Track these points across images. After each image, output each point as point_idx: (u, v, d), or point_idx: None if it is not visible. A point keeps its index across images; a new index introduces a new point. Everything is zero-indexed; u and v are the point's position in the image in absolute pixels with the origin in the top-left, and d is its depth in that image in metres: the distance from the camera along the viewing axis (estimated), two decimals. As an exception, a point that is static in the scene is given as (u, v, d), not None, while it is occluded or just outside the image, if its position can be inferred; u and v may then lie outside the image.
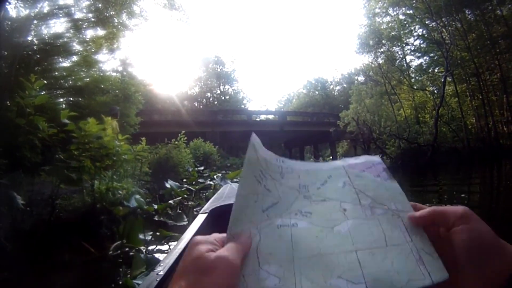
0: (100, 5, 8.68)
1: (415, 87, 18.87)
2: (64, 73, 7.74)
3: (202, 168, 9.88)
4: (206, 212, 1.33)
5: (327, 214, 0.42)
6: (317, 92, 46.47)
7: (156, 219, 3.70)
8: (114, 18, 9.20)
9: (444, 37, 16.43)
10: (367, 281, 0.35)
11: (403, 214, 0.42)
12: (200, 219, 1.25)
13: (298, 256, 0.38)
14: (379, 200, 0.44)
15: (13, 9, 7.14)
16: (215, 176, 7.05)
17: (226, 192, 1.70)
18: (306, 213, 0.43)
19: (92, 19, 8.57)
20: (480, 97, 16.04)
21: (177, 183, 5.41)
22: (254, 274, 0.35)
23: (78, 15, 8.33)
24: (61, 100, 7.55)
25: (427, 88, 18.58)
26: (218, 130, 23.12)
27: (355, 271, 0.36)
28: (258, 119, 29.84)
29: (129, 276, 2.22)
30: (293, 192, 0.45)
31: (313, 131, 28.91)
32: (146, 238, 3.01)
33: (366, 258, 0.37)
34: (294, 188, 0.46)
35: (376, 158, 0.52)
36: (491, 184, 7.79)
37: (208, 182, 6.97)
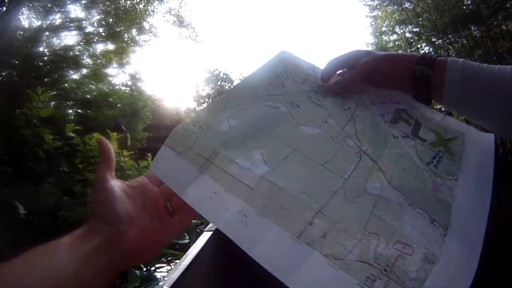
0: (110, 20, 8.87)
1: (422, 106, 18.82)
2: (74, 85, 7.86)
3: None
4: (211, 230, 1.29)
5: (311, 114, 0.44)
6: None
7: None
8: (124, 33, 9.38)
9: (450, 54, 16.48)
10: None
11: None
12: (205, 236, 1.20)
13: (254, 130, 0.41)
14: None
15: (26, 20, 7.34)
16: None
17: None
18: (295, 105, 0.45)
19: (103, 33, 8.76)
20: (488, 114, 15.94)
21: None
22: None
23: (89, 28, 8.53)
24: (70, 111, 7.64)
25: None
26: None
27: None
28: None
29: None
30: (302, 94, 0.47)
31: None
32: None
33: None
34: (305, 91, 0.47)
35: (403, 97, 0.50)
36: (499, 205, 7.63)
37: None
